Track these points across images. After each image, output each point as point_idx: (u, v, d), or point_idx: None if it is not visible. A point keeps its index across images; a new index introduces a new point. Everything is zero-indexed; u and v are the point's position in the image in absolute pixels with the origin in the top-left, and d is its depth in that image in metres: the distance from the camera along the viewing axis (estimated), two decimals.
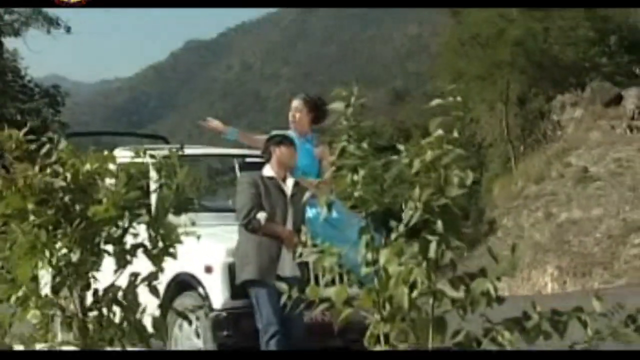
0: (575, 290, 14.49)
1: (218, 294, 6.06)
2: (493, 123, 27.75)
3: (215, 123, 6.70)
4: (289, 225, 5.92)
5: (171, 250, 3.44)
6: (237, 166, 7.48)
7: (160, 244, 3.47)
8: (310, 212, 6.24)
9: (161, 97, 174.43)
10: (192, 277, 6.26)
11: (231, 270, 6.00)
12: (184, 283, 6.32)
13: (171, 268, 6.64)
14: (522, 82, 26.63)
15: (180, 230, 3.54)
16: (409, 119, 50.76)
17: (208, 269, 6.15)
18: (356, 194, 2.82)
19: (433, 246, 2.74)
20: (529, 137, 26.09)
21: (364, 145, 2.91)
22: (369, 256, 2.93)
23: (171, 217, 3.60)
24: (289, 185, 6.00)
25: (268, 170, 6.01)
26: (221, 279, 6.05)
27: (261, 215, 5.78)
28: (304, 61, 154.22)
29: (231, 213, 6.28)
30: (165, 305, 6.40)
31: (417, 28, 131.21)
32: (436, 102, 2.87)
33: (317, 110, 6.44)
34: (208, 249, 6.23)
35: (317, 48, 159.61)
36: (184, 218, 3.75)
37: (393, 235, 2.77)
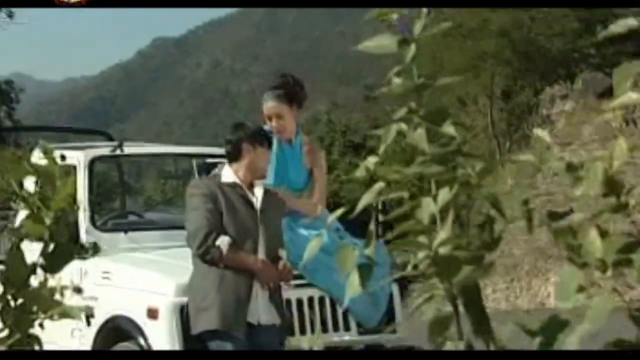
0: None
1: (165, 348, 4.36)
2: (476, 118, 26.21)
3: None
4: (261, 252, 4.23)
5: (32, 332, 1.74)
6: (195, 169, 5.83)
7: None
8: (290, 232, 4.57)
9: (129, 96, 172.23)
10: (131, 322, 4.56)
11: (184, 314, 4.31)
12: (119, 331, 4.62)
13: (103, 309, 4.97)
14: (507, 74, 25.13)
15: (58, 298, 1.83)
16: (384, 116, 49.42)
17: (151, 313, 4.44)
18: (442, 249, 1.15)
19: None
20: (516, 133, 24.60)
21: (450, 129, 1.26)
22: None
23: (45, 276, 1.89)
24: (258, 195, 4.30)
25: (229, 175, 4.30)
26: (169, 328, 4.35)
27: (223, 241, 4.07)
28: (274, 58, 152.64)
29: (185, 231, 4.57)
30: None
31: None
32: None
33: (298, 99, 4.68)
34: (151, 283, 4.56)
35: (287, 44, 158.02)
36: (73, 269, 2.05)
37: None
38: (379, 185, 1.20)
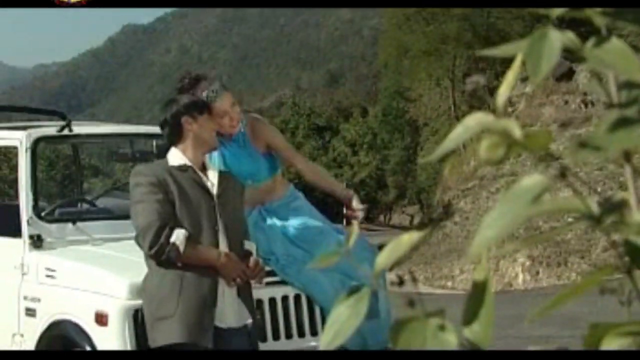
0: (549, 282, 12.38)
1: None
2: (438, 100, 25.57)
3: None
4: (223, 245, 3.43)
5: None
6: (155, 150, 5.04)
7: None
8: (258, 222, 3.79)
9: (99, 81, 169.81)
10: (77, 328, 3.74)
11: (138, 321, 3.51)
12: (64, 338, 3.80)
13: (46, 312, 4.14)
14: (468, 57, 24.51)
15: None
16: (346, 99, 48.79)
17: (100, 318, 3.62)
18: None
19: None
20: None
21: None
22: None
23: None
24: (212, 179, 3.50)
25: (177, 157, 3.49)
26: (120, 336, 3.54)
27: (179, 237, 3.25)
28: (240, 45, 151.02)
29: None
30: None
31: (349, 12, 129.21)
32: None
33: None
34: (100, 283, 3.73)
35: (252, 32, 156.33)
36: None
37: None
38: None
